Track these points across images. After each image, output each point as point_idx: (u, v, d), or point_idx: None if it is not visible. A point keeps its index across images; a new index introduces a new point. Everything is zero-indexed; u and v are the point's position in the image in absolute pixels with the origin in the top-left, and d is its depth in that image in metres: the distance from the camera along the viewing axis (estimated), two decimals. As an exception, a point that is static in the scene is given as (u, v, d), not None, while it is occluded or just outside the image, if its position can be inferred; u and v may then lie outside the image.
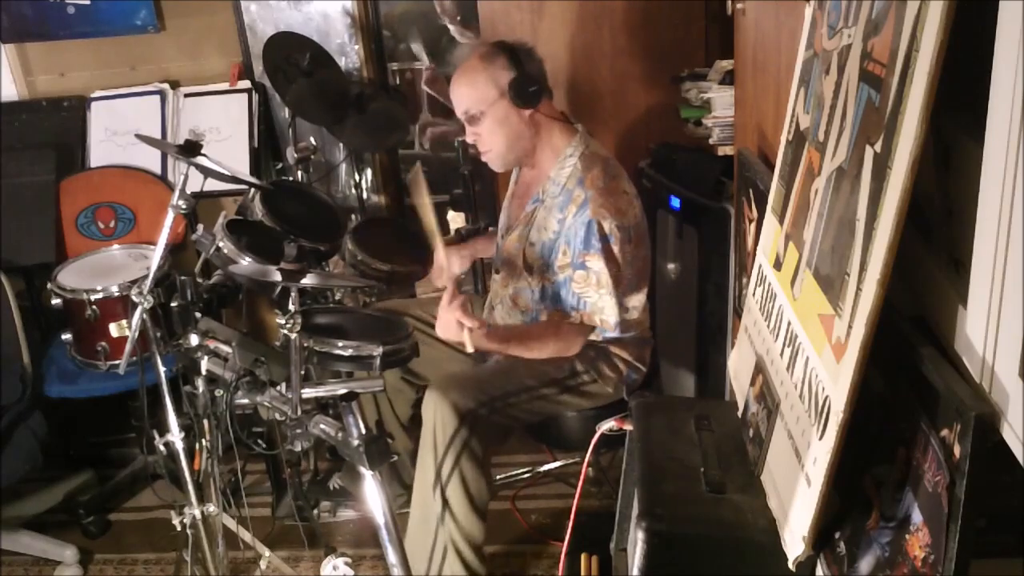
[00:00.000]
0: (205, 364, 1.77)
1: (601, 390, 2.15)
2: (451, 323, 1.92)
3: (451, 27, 3.32)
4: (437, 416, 1.96)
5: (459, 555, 2.01)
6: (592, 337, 2.11)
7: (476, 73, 2.06)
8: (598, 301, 2.03)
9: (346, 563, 1.90)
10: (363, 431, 1.76)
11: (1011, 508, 1.05)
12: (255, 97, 3.15)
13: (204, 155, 1.91)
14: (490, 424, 2.01)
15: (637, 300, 2.13)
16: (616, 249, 2.01)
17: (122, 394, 2.59)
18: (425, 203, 2.04)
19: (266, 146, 3.22)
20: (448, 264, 2.22)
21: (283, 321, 1.61)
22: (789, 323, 1.29)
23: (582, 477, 1.69)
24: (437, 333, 1.99)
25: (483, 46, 2.13)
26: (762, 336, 1.43)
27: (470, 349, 1.92)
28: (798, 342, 1.23)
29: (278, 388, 1.75)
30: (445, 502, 1.98)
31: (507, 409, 2.05)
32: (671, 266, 2.61)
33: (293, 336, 1.63)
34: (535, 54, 2.11)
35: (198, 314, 1.78)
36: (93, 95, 3.18)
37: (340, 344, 1.76)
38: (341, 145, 3.19)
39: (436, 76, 3.38)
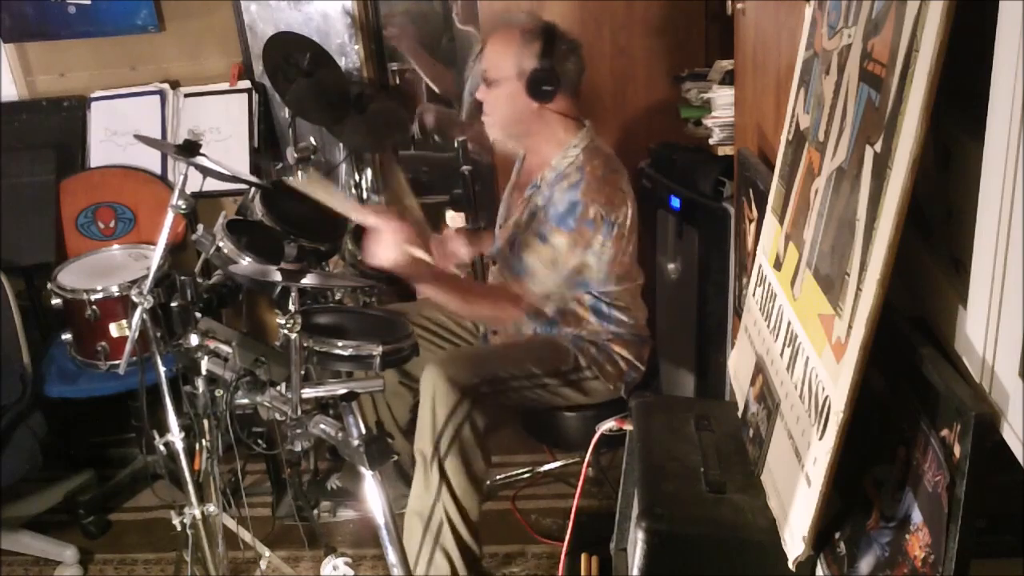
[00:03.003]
0: (205, 364, 1.77)
1: (601, 387, 2.15)
2: (394, 242, 1.80)
3: (472, 31, 3.26)
4: (437, 390, 1.95)
5: (453, 529, 2.00)
6: (593, 332, 2.12)
7: (508, 43, 2.05)
8: (544, 279, 2.02)
9: (346, 563, 1.90)
10: (363, 431, 1.76)
11: (1011, 508, 1.05)
12: (255, 97, 3.15)
13: (203, 155, 1.92)
14: (490, 402, 2.00)
15: (628, 299, 2.13)
16: (589, 235, 2.00)
17: (122, 394, 2.58)
18: (327, 193, 1.96)
19: (266, 146, 3.22)
20: (453, 245, 2.21)
21: (283, 321, 1.61)
22: (789, 323, 1.29)
23: (582, 477, 1.69)
24: (370, 256, 1.84)
25: (533, 21, 2.09)
26: (762, 336, 1.43)
27: (409, 266, 1.82)
28: (798, 342, 1.23)
29: (278, 388, 1.75)
30: (443, 474, 1.96)
31: (507, 391, 2.04)
32: (671, 266, 2.61)
33: (293, 336, 1.63)
34: (576, 54, 2.08)
35: (198, 314, 1.78)
36: (93, 95, 3.17)
37: (340, 344, 1.76)
38: (341, 145, 3.19)
39: (404, 32, 3.27)
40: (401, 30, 3.17)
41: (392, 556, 1.85)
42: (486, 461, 2.04)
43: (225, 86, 3.17)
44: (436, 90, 3.41)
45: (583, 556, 1.80)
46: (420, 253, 1.82)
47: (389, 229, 1.81)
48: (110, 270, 2.69)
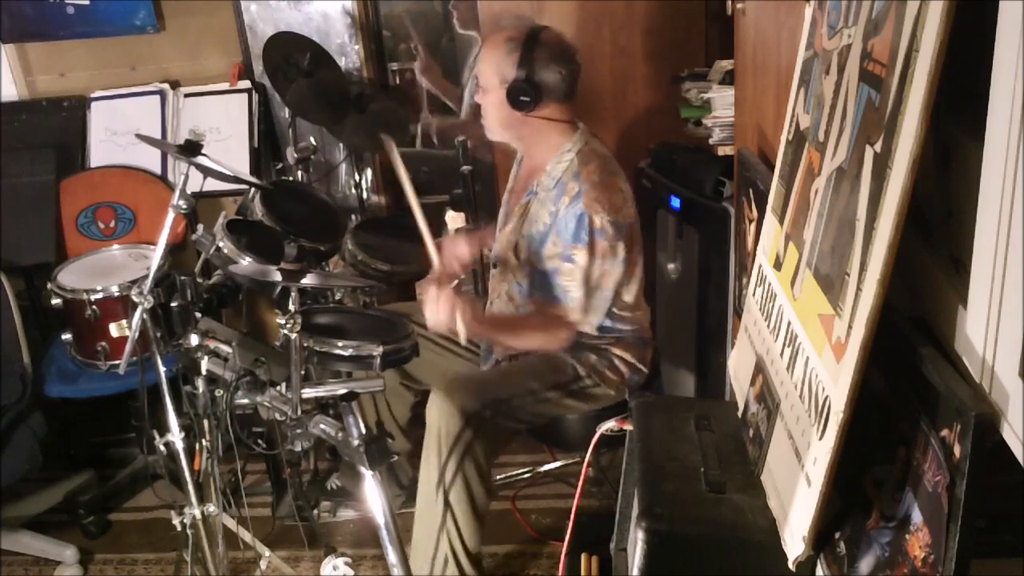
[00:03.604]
0: (205, 364, 1.77)
1: (603, 393, 2.15)
2: (445, 310, 1.83)
3: (473, 35, 3.24)
4: (442, 417, 1.95)
5: (457, 562, 2.00)
6: (592, 332, 2.12)
7: (493, 53, 2.05)
8: (581, 297, 2.03)
9: (346, 563, 1.90)
10: (363, 431, 1.76)
11: (1011, 508, 1.05)
12: (255, 97, 3.15)
13: (204, 155, 1.92)
14: (494, 427, 2.00)
15: (630, 298, 2.13)
16: (605, 245, 2.00)
17: (122, 394, 2.58)
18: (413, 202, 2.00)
19: (266, 146, 3.22)
20: (455, 248, 2.20)
21: (283, 321, 1.61)
22: (789, 323, 1.29)
23: (582, 477, 1.69)
24: (428, 324, 1.89)
25: (518, 29, 2.06)
26: (762, 336, 1.43)
27: (463, 338, 1.88)
28: (798, 342, 1.23)
29: (278, 388, 1.75)
30: (447, 505, 1.97)
31: (511, 412, 2.05)
32: (671, 266, 2.61)
33: (293, 336, 1.63)
34: (562, 61, 2.03)
35: (198, 314, 1.78)
36: (93, 95, 3.17)
37: (340, 344, 1.76)
38: (341, 145, 3.19)
39: (430, 65, 3.25)
40: (427, 63, 3.14)
41: (392, 556, 1.85)
42: (488, 492, 2.04)
43: (225, 86, 3.17)
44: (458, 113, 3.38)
45: (583, 556, 1.80)
46: (464, 309, 1.84)
47: (439, 294, 1.84)
48: (110, 270, 2.69)
